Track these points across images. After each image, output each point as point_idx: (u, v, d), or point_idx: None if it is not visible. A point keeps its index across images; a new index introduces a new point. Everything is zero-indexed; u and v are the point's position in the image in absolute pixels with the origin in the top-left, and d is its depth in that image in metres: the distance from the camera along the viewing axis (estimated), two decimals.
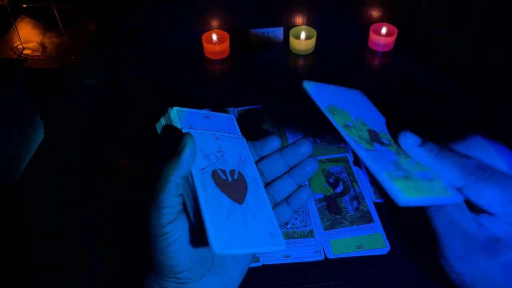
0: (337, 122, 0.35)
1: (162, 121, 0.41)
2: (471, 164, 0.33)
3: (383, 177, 0.31)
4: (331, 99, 0.38)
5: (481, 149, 0.34)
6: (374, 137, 0.36)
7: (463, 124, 0.73)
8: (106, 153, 0.68)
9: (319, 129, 0.70)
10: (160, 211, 0.34)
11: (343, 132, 0.34)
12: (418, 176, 0.32)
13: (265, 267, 0.54)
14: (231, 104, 0.75)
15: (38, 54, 0.85)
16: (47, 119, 0.72)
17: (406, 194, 0.30)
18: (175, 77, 0.84)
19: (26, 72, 0.68)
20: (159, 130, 0.41)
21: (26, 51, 0.85)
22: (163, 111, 0.41)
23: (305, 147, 0.41)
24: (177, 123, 0.39)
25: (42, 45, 0.87)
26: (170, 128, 0.40)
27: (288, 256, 0.54)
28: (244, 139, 0.43)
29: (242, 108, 0.75)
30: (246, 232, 0.35)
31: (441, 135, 0.71)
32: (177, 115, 0.39)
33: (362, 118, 0.38)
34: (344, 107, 0.38)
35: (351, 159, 0.66)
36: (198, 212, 0.34)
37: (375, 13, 0.99)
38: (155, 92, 0.81)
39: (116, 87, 0.82)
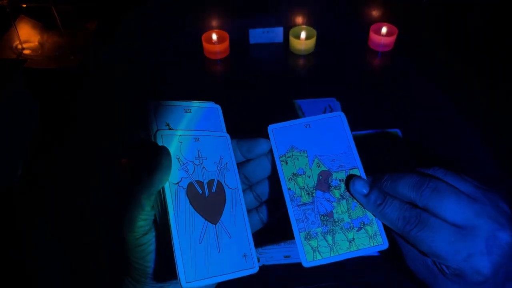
0: (284, 173, 0.38)
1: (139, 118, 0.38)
2: (409, 215, 0.35)
3: (297, 237, 0.36)
4: (292, 140, 0.40)
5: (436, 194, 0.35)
6: (323, 181, 0.38)
7: (461, 125, 0.73)
8: (106, 153, 0.68)
9: None
10: (133, 225, 0.33)
11: (284, 186, 0.38)
12: (346, 227, 0.37)
13: (265, 267, 0.54)
14: (231, 104, 0.75)
15: (38, 54, 0.85)
16: (47, 119, 0.72)
17: (307, 258, 0.35)
18: (175, 77, 0.84)
19: (26, 72, 0.68)
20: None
21: (25, 51, 0.85)
22: (141, 106, 0.37)
23: (264, 145, 0.40)
24: (152, 121, 0.36)
25: (42, 45, 0.87)
26: (145, 127, 0.37)
27: (288, 257, 0.54)
28: (228, 137, 0.40)
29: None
30: (218, 258, 0.34)
31: (438, 136, 0.71)
32: (153, 111, 0.36)
33: (321, 157, 0.39)
34: (304, 147, 0.40)
35: None
36: (167, 230, 0.33)
37: (375, 13, 0.99)
38: (155, 92, 0.81)
39: (115, 87, 0.82)
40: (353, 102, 0.76)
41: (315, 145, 0.40)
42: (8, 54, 0.83)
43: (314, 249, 0.36)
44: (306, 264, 0.35)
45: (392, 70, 0.86)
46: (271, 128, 0.40)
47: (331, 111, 0.73)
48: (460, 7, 0.98)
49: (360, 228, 0.37)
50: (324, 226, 0.37)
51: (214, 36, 0.88)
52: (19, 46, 0.85)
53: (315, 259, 0.35)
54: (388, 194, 0.37)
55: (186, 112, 0.38)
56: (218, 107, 0.41)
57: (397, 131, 0.70)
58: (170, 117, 0.37)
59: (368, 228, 0.37)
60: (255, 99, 0.77)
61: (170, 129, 0.36)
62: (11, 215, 0.61)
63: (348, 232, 0.37)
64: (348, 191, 0.38)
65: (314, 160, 0.39)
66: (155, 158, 0.33)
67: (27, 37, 0.88)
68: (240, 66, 0.87)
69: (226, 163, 0.38)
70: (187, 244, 0.33)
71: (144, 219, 0.33)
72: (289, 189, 0.38)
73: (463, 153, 0.68)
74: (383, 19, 0.94)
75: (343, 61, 0.88)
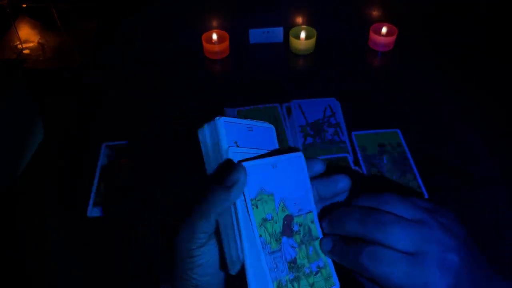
0: (255, 218, 0.36)
1: (206, 130, 0.38)
2: (362, 253, 0.35)
3: (270, 286, 0.35)
4: (261, 182, 0.37)
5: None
6: (287, 226, 0.38)
7: (460, 125, 0.73)
8: (106, 153, 0.68)
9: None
10: (192, 236, 0.34)
11: (256, 233, 0.36)
12: (307, 272, 0.37)
13: None
14: (231, 104, 0.75)
15: (38, 54, 0.85)
16: (47, 119, 0.72)
17: None
18: (175, 76, 0.84)
19: (26, 72, 0.68)
20: (200, 138, 0.38)
21: (25, 51, 0.85)
22: (208, 118, 0.37)
23: (342, 183, 0.39)
24: (223, 138, 0.36)
25: (42, 45, 0.87)
26: (215, 142, 0.37)
27: None
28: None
29: (245, 108, 0.75)
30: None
31: (438, 136, 0.71)
32: (223, 128, 0.37)
33: (285, 200, 0.38)
34: (272, 190, 0.38)
35: (351, 159, 0.66)
36: (233, 242, 0.34)
37: (375, 13, 0.99)
38: (155, 91, 0.81)
39: (116, 86, 0.82)
40: (353, 102, 0.76)
41: (280, 187, 0.38)
42: (8, 54, 0.84)
43: None
44: None
45: (392, 70, 0.86)
46: (245, 166, 0.37)
47: (331, 111, 0.73)
48: (460, 7, 0.98)
49: (317, 272, 0.37)
50: (291, 273, 0.37)
51: (214, 36, 0.88)
52: (19, 46, 0.86)
53: None
54: (340, 235, 0.37)
55: (249, 131, 0.39)
56: (272, 127, 0.41)
57: (397, 131, 0.70)
58: (237, 135, 0.37)
59: (323, 271, 0.38)
60: (255, 99, 0.77)
61: (237, 146, 0.37)
62: (11, 215, 0.61)
63: (309, 277, 0.37)
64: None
65: (280, 204, 0.38)
66: (233, 172, 0.34)
67: (27, 37, 0.88)
68: (240, 66, 0.87)
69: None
70: (256, 260, 0.34)
71: (204, 232, 0.34)
72: (261, 235, 0.36)
73: (463, 153, 0.68)
74: (383, 19, 0.94)
75: (343, 61, 0.88)
